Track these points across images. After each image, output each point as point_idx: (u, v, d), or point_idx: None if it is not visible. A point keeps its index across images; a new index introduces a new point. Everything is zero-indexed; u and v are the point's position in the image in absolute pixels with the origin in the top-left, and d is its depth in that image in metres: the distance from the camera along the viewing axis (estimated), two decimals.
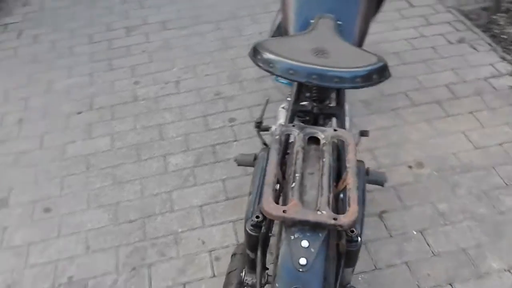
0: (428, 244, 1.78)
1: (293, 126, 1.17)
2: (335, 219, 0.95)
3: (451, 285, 1.65)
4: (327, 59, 1.25)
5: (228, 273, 1.35)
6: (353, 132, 1.71)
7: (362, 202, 1.37)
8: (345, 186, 1.04)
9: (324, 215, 0.96)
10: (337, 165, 1.17)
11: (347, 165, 1.07)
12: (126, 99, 2.59)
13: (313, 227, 0.97)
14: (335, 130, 1.16)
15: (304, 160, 1.10)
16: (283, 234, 0.99)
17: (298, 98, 1.48)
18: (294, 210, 0.97)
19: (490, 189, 1.95)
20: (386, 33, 2.87)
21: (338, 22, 1.44)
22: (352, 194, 1.00)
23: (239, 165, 1.63)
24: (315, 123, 1.51)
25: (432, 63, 2.63)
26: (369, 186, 1.94)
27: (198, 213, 1.96)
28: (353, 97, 2.43)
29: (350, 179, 1.03)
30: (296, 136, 1.14)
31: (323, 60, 1.24)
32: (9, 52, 3.04)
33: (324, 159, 1.08)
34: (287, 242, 0.98)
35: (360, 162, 1.43)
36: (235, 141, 2.27)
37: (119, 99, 2.59)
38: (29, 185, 2.17)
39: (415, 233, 1.82)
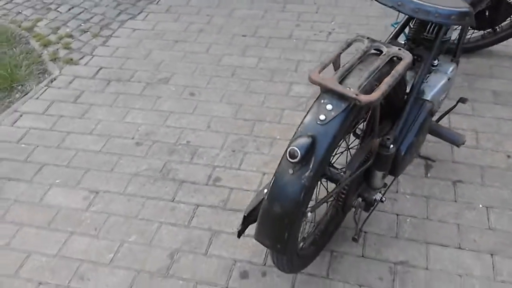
0: (488, 219, 1.83)
1: (367, 38, 1.42)
2: (356, 95, 1.20)
3: (492, 256, 1.70)
4: None
5: None
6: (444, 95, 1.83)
7: (417, 131, 1.55)
8: None
9: (350, 90, 1.22)
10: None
11: (392, 71, 1.29)
12: (283, 35, 3.01)
13: (339, 97, 1.24)
14: (399, 49, 1.37)
15: (361, 60, 1.36)
16: (317, 99, 1.28)
17: (397, 35, 1.69)
18: (329, 81, 1.25)
19: None
20: None
21: None
22: (382, 86, 1.23)
23: None
24: None
25: None
26: (457, 157, 2.06)
27: None
28: (485, 85, 2.45)
29: (387, 78, 1.26)
30: (365, 44, 1.39)
31: None
32: None
33: (375, 62, 1.32)
34: (317, 104, 1.27)
35: (428, 102, 1.60)
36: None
37: (277, 34, 3.02)
38: (187, 75, 2.74)
39: (481, 206, 1.87)
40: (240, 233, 1.52)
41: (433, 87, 1.73)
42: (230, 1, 3.42)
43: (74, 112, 2.55)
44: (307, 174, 1.23)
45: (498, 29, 2.48)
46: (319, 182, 1.60)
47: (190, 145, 2.28)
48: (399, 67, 1.31)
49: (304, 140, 1.21)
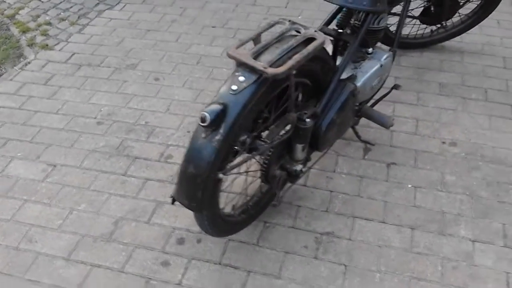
0: (414, 198, 1.94)
1: (289, 21, 1.54)
2: (265, 68, 1.32)
3: (412, 230, 1.82)
4: None
5: None
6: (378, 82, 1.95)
7: (338, 109, 1.68)
8: None
9: (259, 63, 1.34)
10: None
11: (303, 49, 1.41)
12: (251, 27, 3.13)
13: (250, 70, 1.36)
14: (315, 31, 1.50)
15: (279, 39, 1.48)
16: (233, 72, 1.40)
17: (329, 22, 1.81)
18: (243, 55, 1.37)
19: (505, 183, 1.98)
20: (507, 40, 2.85)
21: None
22: (290, 61, 1.36)
23: None
24: (336, 47, 1.83)
25: None
26: (395, 142, 2.17)
27: None
28: (434, 77, 2.57)
29: (296, 55, 1.38)
30: (286, 26, 1.52)
31: None
32: None
33: (290, 42, 1.44)
34: (231, 76, 1.40)
35: (351, 84, 1.72)
36: None
37: (245, 26, 3.14)
38: (153, 61, 2.87)
39: (409, 186, 1.99)
40: (174, 200, 1.64)
41: (365, 73, 1.85)
42: None
43: (43, 93, 2.67)
44: (217, 138, 1.35)
45: (447, 25, 2.59)
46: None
47: (148, 125, 2.40)
48: (310, 46, 1.43)
49: (215, 107, 1.33)
